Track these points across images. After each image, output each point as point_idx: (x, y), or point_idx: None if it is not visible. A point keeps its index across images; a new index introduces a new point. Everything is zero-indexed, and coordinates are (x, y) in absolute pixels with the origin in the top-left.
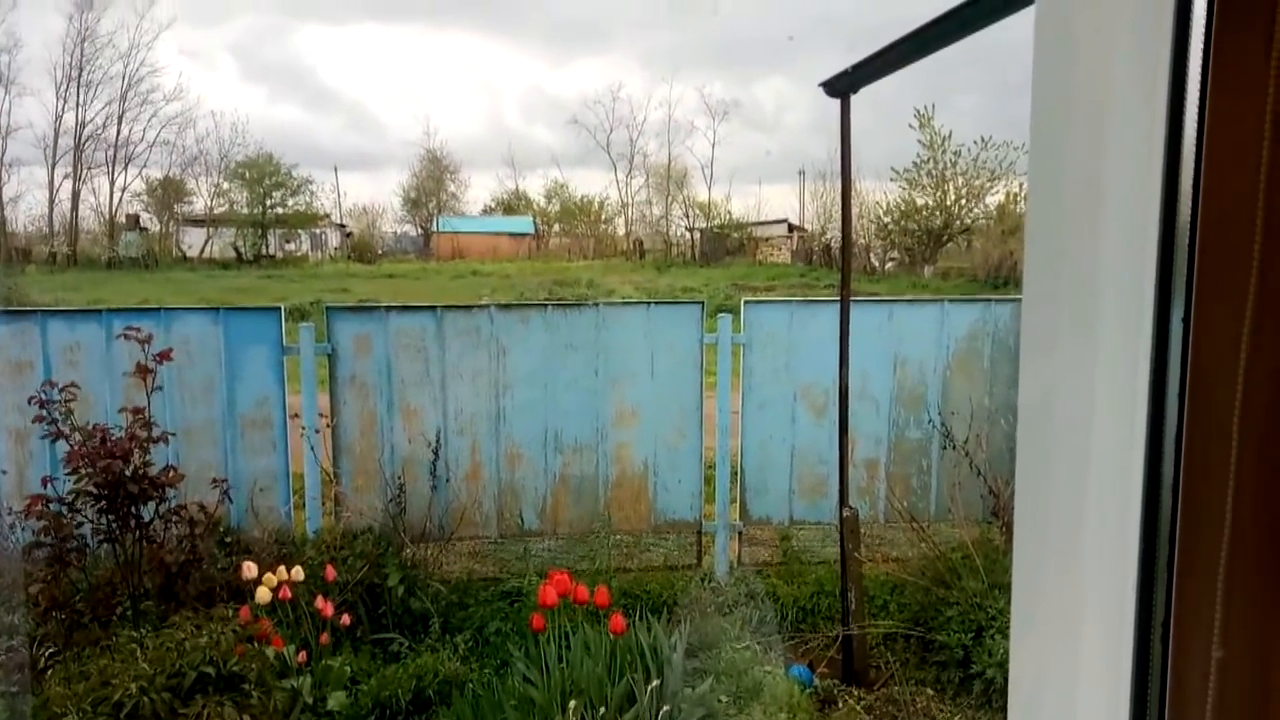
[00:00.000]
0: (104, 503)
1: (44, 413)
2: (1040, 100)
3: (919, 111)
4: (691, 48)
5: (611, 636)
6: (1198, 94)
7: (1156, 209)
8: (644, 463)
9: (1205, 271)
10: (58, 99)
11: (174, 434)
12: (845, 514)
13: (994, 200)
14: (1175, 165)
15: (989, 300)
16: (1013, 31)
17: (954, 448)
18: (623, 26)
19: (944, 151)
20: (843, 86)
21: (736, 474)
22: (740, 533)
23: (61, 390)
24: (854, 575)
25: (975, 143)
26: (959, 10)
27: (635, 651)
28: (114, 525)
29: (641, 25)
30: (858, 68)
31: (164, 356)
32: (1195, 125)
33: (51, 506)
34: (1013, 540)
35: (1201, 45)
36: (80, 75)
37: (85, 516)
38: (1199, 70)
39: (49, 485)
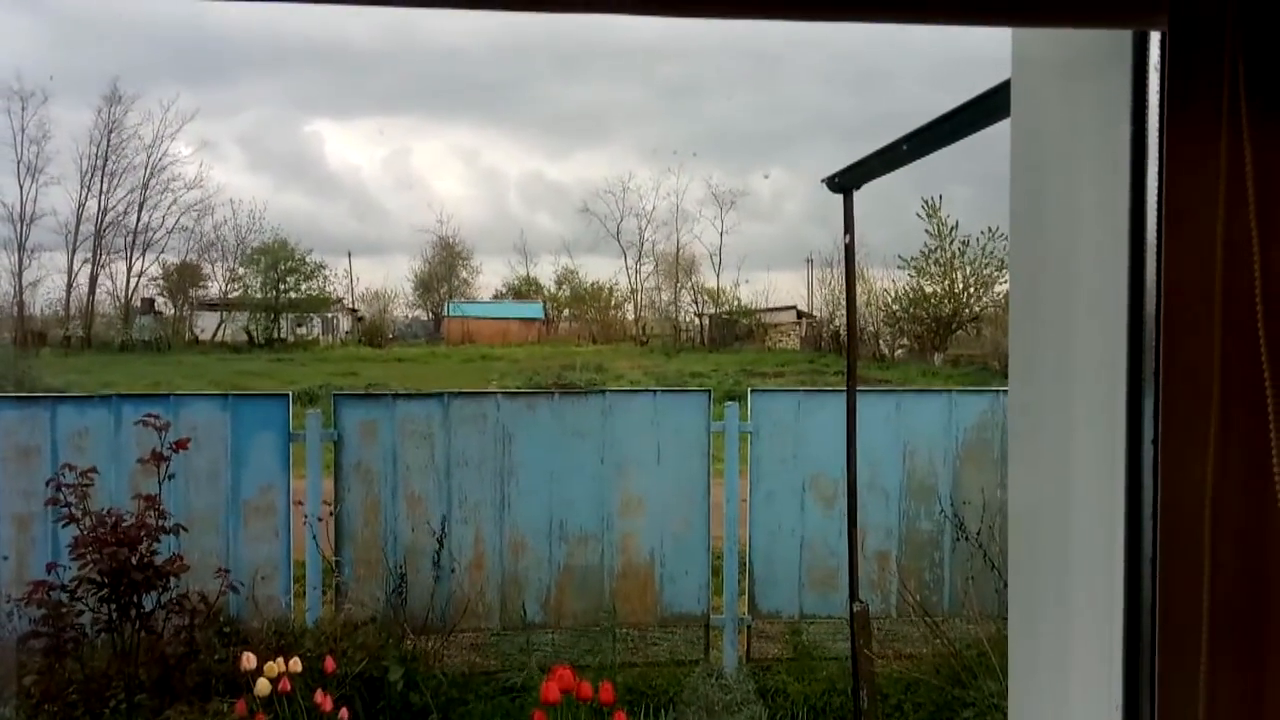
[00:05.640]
0: (107, 590)
1: (59, 495)
2: (1017, 203)
3: (926, 201)
4: (686, 140)
5: None
6: (1156, 185)
7: (1124, 310)
8: (650, 553)
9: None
10: (81, 187)
11: (186, 529)
12: (856, 608)
13: (1002, 289)
14: (1140, 257)
15: (997, 391)
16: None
17: (966, 540)
18: (619, 119)
19: (951, 241)
20: (844, 183)
21: (745, 565)
22: (749, 626)
23: (80, 475)
24: (866, 673)
25: (983, 232)
26: (946, 118)
27: None
28: (114, 614)
29: (635, 118)
30: (856, 166)
31: (180, 445)
32: (1155, 214)
33: (52, 594)
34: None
35: (1157, 141)
36: (105, 165)
37: (86, 605)
38: (1157, 160)
39: (53, 571)
